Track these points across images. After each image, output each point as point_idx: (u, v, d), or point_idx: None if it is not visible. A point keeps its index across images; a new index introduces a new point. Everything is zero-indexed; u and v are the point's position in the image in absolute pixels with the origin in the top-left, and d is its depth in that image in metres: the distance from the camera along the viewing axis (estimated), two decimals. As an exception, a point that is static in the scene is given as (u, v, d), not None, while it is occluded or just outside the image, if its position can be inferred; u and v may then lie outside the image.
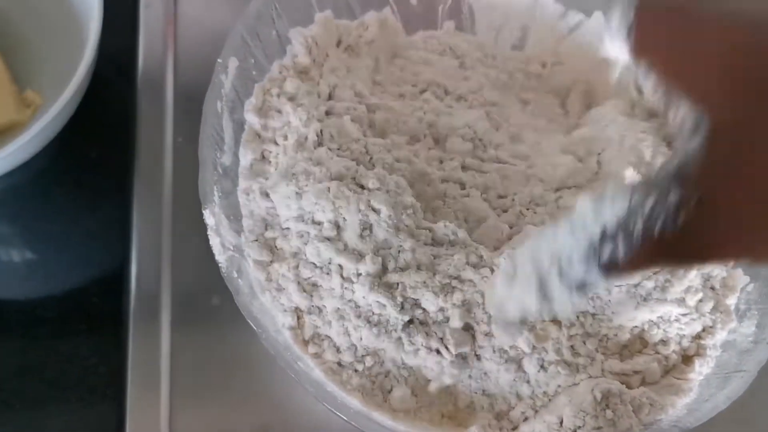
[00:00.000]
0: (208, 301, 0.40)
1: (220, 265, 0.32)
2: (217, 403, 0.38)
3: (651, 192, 0.21)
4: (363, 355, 0.31)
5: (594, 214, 0.22)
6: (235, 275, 0.32)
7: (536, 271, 0.24)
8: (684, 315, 0.32)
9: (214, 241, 0.32)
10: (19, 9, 0.44)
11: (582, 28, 0.40)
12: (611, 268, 0.22)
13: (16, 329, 0.41)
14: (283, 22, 0.38)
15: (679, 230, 0.20)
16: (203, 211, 0.33)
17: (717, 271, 0.33)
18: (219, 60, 0.35)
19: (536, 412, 0.31)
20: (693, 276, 0.32)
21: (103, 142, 0.44)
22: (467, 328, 0.31)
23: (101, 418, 0.39)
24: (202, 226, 0.40)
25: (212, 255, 0.40)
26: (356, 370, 0.31)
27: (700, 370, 0.32)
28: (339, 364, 0.32)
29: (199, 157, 0.33)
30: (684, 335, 0.32)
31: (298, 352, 0.32)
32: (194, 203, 0.41)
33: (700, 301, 0.33)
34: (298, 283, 0.32)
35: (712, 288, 0.33)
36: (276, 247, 0.33)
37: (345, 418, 0.29)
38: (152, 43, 0.46)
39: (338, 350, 0.32)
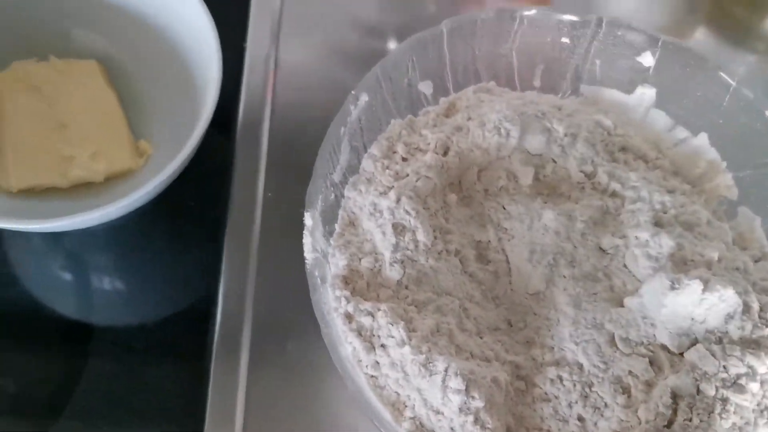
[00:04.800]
0: (284, 346, 0.44)
1: (306, 261, 0.36)
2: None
3: None
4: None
5: None
6: (316, 274, 0.36)
7: None
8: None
9: (307, 240, 0.37)
10: (138, 63, 0.48)
11: (687, 144, 0.42)
12: None
13: (108, 356, 0.44)
14: (415, 74, 0.42)
15: None
16: (305, 213, 0.37)
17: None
18: (353, 92, 0.40)
19: None
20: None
21: (201, 192, 0.48)
22: None
23: (179, 448, 0.42)
24: (284, 278, 0.45)
25: (289, 304, 0.44)
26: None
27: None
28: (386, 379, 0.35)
29: (314, 169, 0.38)
30: None
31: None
32: (278, 256, 0.46)
33: None
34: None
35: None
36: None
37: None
38: (252, 105, 0.50)
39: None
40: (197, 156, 0.43)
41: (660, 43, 0.41)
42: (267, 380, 0.42)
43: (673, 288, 0.35)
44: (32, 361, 0.44)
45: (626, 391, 0.35)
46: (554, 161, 0.41)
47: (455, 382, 0.33)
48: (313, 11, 0.54)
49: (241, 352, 0.43)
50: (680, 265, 0.37)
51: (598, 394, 0.35)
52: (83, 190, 0.44)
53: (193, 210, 0.48)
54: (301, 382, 0.42)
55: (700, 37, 0.57)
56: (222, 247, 0.46)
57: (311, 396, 0.42)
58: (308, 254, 0.35)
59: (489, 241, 0.40)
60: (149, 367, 0.44)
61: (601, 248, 0.39)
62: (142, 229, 0.47)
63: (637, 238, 0.38)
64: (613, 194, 0.41)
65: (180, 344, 0.44)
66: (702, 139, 0.42)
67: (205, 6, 0.42)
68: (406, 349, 0.34)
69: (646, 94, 0.42)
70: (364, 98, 0.39)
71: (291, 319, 0.44)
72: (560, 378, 0.36)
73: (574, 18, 0.41)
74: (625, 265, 0.38)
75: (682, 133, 0.42)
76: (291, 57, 0.52)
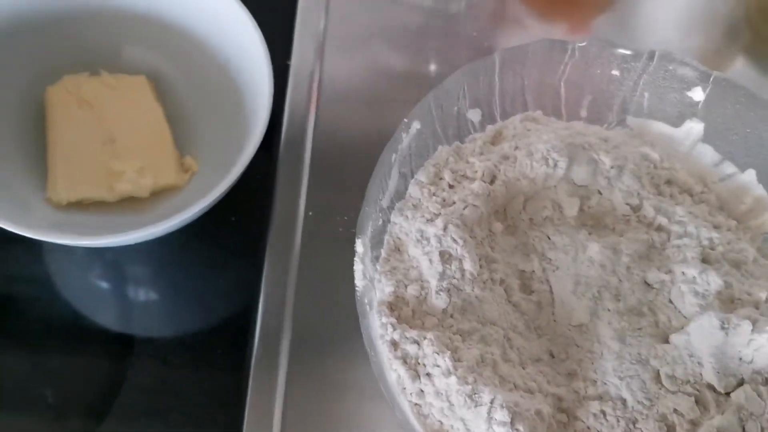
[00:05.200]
0: (323, 364, 0.44)
1: (356, 288, 0.36)
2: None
3: None
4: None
5: None
6: (366, 301, 0.36)
7: None
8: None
9: (358, 267, 0.37)
10: (188, 80, 0.48)
11: (733, 180, 0.42)
12: None
13: (146, 369, 0.44)
14: (464, 102, 0.42)
15: None
16: (356, 240, 0.37)
17: None
18: (405, 120, 0.40)
19: None
20: None
21: (242, 208, 0.48)
22: None
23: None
24: (323, 297, 0.45)
25: (328, 323, 0.44)
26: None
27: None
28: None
29: (366, 195, 0.38)
30: None
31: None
32: (317, 275, 0.46)
33: None
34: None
35: None
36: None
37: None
38: (295, 123, 0.51)
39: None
40: (243, 173, 0.44)
41: (711, 79, 0.41)
42: (305, 397, 0.43)
43: (722, 328, 0.35)
44: (72, 372, 0.44)
45: (671, 429, 0.35)
46: (600, 193, 0.41)
47: (501, 414, 0.33)
48: (357, 30, 0.55)
49: (279, 369, 0.43)
50: (727, 304, 0.37)
51: (642, 432, 0.35)
52: (128, 205, 0.44)
53: (235, 225, 0.48)
54: (339, 400, 0.43)
55: (739, 66, 0.57)
56: (262, 263, 0.46)
57: (349, 414, 0.42)
58: (359, 281, 0.36)
59: (533, 271, 0.40)
60: (187, 383, 0.44)
61: (646, 283, 0.39)
62: (183, 243, 0.48)
63: (684, 274, 0.38)
64: (659, 228, 0.41)
65: (218, 358, 0.45)
66: (750, 176, 0.42)
67: (258, 30, 0.43)
68: (452, 379, 0.34)
69: (694, 128, 0.42)
70: (416, 126, 0.39)
71: (330, 338, 0.44)
72: (603, 413, 0.36)
73: (626, 51, 0.41)
74: (670, 301, 0.38)
75: (729, 168, 0.42)
76: (335, 75, 0.53)
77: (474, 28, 0.57)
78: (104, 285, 0.47)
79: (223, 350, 0.45)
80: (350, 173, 0.44)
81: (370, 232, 0.37)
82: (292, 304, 0.45)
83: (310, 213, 0.48)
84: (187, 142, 0.47)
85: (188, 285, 0.47)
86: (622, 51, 0.41)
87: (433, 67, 0.55)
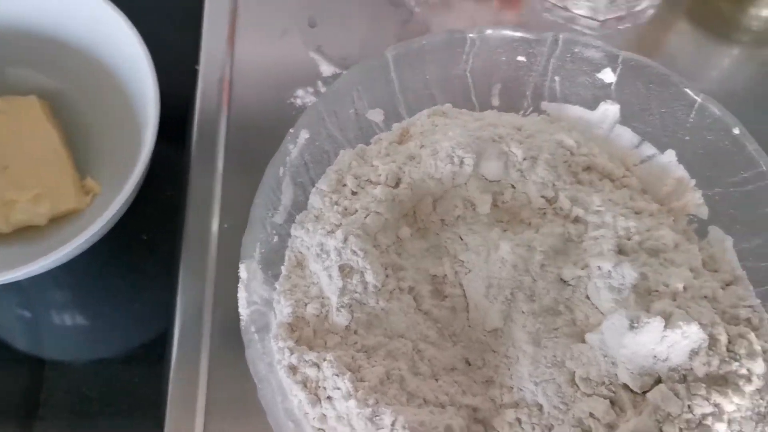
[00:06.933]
0: (242, 389, 0.42)
1: (241, 318, 0.35)
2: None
3: None
4: None
5: None
6: (252, 329, 0.35)
7: None
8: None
9: (241, 295, 0.35)
10: (79, 96, 0.47)
11: (654, 161, 0.41)
12: None
13: (59, 405, 0.43)
14: (362, 103, 0.41)
15: None
16: (240, 265, 0.36)
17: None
18: (291, 130, 0.38)
19: None
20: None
21: (154, 225, 0.47)
22: None
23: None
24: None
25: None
26: None
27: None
28: None
29: (249, 216, 0.36)
30: None
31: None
32: (234, 293, 0.43)
33: None
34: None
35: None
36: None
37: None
38: (205, 133, 0.49)
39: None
40: (149, 187, 0.42)
41: (620, 60, 0.39)
42: (224, 425, 0.41)
43: (632, 327, 0.33)
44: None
45: (587, 434, 0.34)
46: (513, 187, 0.40)
47: (404, 436, 0.32)
48: (268, 29, 0.53)
49: (197, 401, 0.42)
50: (644, 296, 0.36)
51: (558, 438, 0.34)
52: (27, 234, 0.43)
53: (147, 244, 0.47)
54: (260, 427, 0.42)
55: (684, 27, 0.56)
56: (177, 282, 0.45)
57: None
58: (243, 310, 0.34)
59: (445, 275, 0.38)
60: (102, 414, 0.43)
61: (562, 279, 0.38)
62: (94, 265, 0.46)
63: (599, 268, 0.37)
64: (576, 220, 0.39)
65: (135, 391, 0.43)
66: (669, 156, 0.40)
67: (137, 33, 0.41)
68: (352, 402, 0.33)
69: (609, 110, 0.41)
70: (304, 135, 0.37)
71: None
72: (519, 421, 0.34)
73: (528, 35, 0.39)
74: (587, 297, 0.37)
75: (648, 150, 0.41)
76: (246, 78, 0.50)
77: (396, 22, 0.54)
78: (13, 312, 0.45)
79: (139, 378, 0.43)
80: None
81: (260, 253, 0.36)
82: (210, 325, 0.44)
83: (225, 225, 0.46)
84: (88, 160, 0.45)
85: (100, 311, 0.45)
86: (523, 35, 0.39)
87: (354, 53, 0.52)
